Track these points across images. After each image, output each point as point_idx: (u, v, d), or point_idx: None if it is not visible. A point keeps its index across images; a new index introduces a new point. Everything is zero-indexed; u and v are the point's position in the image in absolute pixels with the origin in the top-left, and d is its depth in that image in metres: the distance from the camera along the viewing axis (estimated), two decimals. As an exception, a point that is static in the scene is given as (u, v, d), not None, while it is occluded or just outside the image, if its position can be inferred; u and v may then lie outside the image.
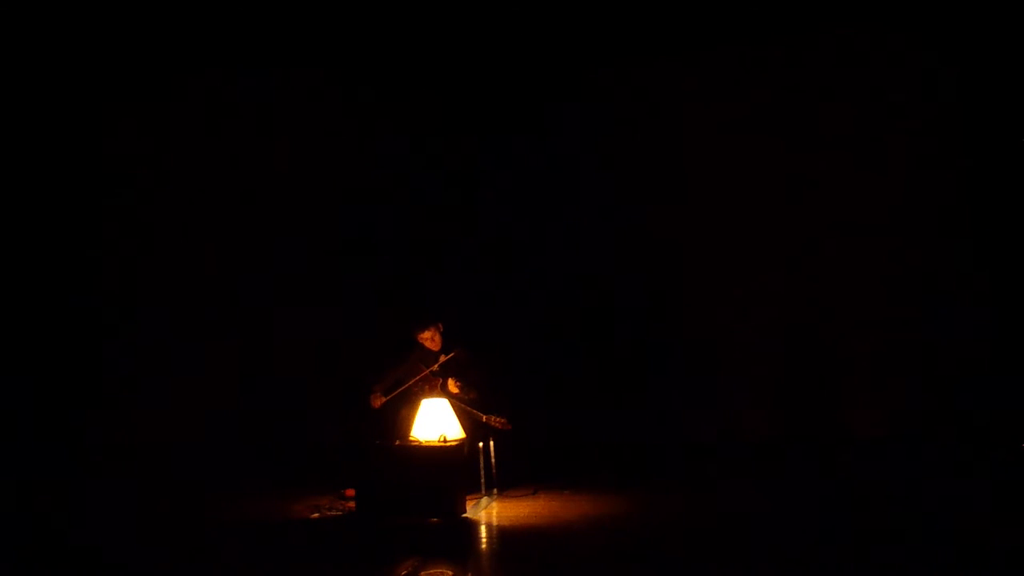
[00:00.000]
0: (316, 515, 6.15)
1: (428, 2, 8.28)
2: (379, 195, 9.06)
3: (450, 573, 4.76)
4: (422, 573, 4.73)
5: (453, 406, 6.49)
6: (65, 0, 8.11)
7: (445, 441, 6.13)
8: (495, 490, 6.74)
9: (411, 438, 6.29)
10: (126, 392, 8.91)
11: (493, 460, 6.77)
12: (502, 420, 6.59)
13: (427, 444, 6.15)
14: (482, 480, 6.71)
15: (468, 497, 6.21)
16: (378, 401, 6.79)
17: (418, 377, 6.83)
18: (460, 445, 6.18)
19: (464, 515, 5.97)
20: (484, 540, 5.64)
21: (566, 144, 9.01)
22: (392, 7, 8.29)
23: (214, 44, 8.62)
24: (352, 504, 6.19)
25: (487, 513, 6.20)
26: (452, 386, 6.78)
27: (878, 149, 8.29)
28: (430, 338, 6.98)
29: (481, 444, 6.73)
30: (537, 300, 8.91)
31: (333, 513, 6.19)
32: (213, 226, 9.12)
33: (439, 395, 6.62)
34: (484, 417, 6.61)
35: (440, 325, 7.03)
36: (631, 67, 8.92)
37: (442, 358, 6.87)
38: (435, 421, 6.28)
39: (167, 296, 9.05)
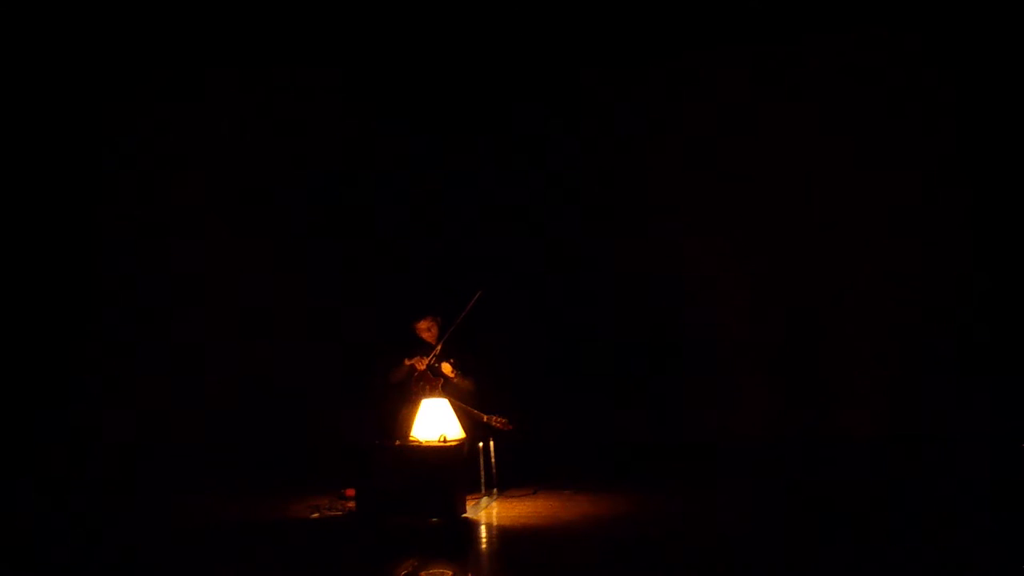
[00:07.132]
0: (316, 515, 6.15)
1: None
2: (377, 194, 9.09)
3: (450, 573, 4.76)
4: (422, 573, 4.72)
5: (453, 406, 6.50)
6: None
7: (445, 441, 6.14)
8: (495, 490, 6.74)
9: (411, 438, 6.29)
10: (125, 392, 8.90)
11: (493, 460, 6.78)
12: (503, 420, 6.60)
13: (427, 444, 6.15)
14: (482, 480, 6.72)
15: (468, 497, 6.21)
16: (422, 363, 6.83)
17: (427, 360, 6.84)
18: (460, 445, 6.18)
19: (464, 515, 5.97)
20: (484, 540, 5.64)
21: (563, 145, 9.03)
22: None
23: (215, 44, 8.63)
24: (352, 504, 6.19)
25: (487, 513, 6.20)
26: (447, 368, 6.79)
27: (878, 149, 8.30)
28: (427, 328, 7.05)
29: (481, 444, 6.74)
30: (536, 299, 8.91)
31: (333, 513, 6.19)
32: (213, 225, 9.11)
33: (439, 395, 6.63)
34: (485, 417, 6.62)
35: (437, 317, 7.07)
36: (621, 68, 8.90)
37: (438, 348, 6.89)
38: (435, 421, 6.29)
39: (166, 295, 9.04)
